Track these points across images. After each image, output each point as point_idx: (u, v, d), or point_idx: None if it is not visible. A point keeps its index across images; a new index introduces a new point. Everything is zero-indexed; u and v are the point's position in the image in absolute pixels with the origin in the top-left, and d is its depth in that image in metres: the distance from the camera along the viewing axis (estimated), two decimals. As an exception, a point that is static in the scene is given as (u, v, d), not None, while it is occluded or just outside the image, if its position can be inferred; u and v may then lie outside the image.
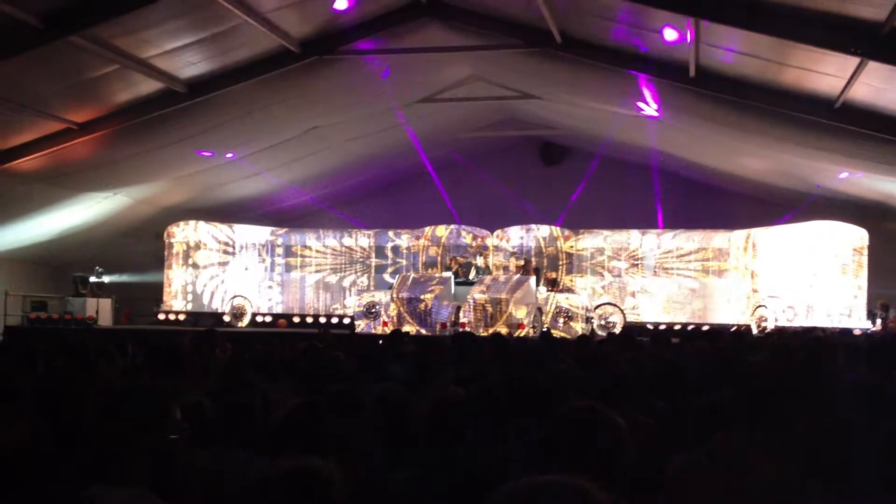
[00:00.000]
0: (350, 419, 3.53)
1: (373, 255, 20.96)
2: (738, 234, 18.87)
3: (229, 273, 20.89)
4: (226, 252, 20.97)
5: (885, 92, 11.58)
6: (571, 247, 19.84)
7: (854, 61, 10.64)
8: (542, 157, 21.91)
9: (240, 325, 20.20)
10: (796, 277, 17.43)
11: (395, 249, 20.88)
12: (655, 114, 15.39)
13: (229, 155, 17.74)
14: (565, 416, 2.51)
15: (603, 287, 19.60)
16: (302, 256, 21.29)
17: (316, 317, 20.49)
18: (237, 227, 21.14)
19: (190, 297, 20.48)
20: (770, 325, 17.08)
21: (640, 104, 14.94)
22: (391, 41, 14.43)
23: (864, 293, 17.23)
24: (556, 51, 13.60)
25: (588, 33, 13.45)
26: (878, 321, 16.65)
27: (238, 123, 16.08)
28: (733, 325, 17.58)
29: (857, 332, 16.14)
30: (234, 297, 20.71)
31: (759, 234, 18.42)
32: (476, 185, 20.81)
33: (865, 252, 17.26)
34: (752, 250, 18.52)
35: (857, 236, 17.33)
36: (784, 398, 3.56)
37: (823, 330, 15.14)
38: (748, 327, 17.36)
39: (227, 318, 20.19)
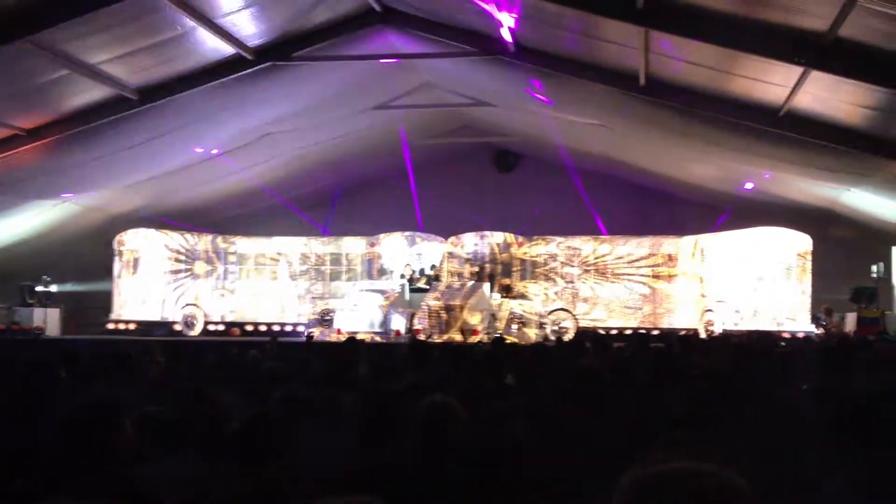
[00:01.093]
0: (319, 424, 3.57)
1: (327, 262, 20.91)
2: (687, 240, 19.21)
3: (181, 281, 20.67)
4: (177, 260, 20.75)
5: (828, 101, 11.89)
6: (525, 253, 20.00)
7: (798, 71, 10.91)
8: (496, 164, 22.07)
9: (191, 333, 20.00)
10: (743, 282, 17.83)
11: (350, 257, 20.86)
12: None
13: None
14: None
15: (556, 293, 19.79)
16: (255, 264, 21.15)
17: (269, 325, 20.36)
18: (189, 235, 20.94)
19: (140, 306, 20.22)
20: (717, 329, 17.40)
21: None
22: (345, 47, 14.46)
23: (808, 298, 17.67)
24: (510, 58, 13.74)
25: (541, 41, 13.60)
26: (822, 325, 17.05)
27: (190, 130, 15.96)
28: (682, 330, 17.89)
29: (800, 335, 16.58)
30: (186, 305, 20.50)
31: (707, 239, 18.79)
32: (430, 192, 20.87)
33: (809, 257, 17.71)
34: (700, 256, 18.88)
35: (802, 242, 17.77)
36: (728, 400, 3.63)
37: (769, 333, 15.50)
38: (696, 331, 17.66)
39: (178, 327, 19.99)
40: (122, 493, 2.74)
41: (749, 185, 17.32)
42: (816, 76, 10.87)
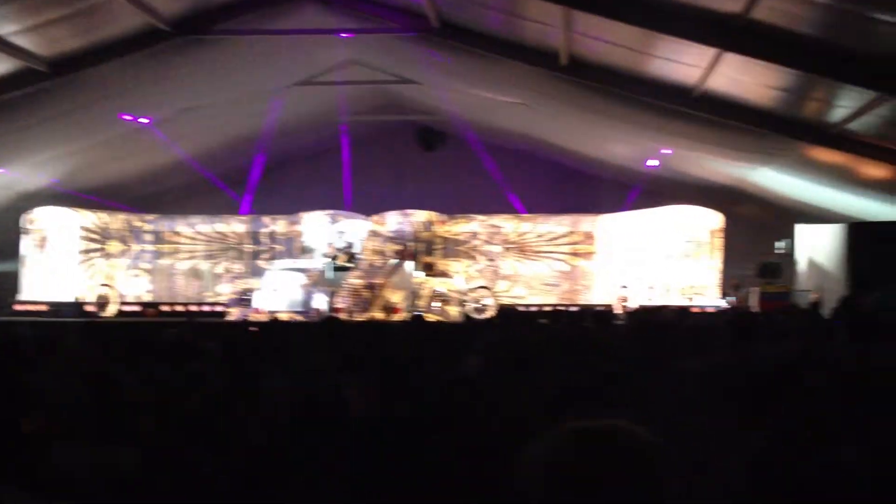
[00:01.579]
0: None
1: (247, 241, 20.69)
2: (604, 218, 19.71)
3: (93, 261, 20.20)
4: (90, 239, 20.25)
5: (740, 82, 12.33)
6: (447, 231, 20.17)
7: (712, 52, 11.31)
8: (420, 143, 22.10)
9: (104, 314, 19.56)
10: (656, 259, 18.43)
11: (271, 235, 20.69)
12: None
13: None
14: None
15: (478, 271, 20.04)
16: (172, 243, 20.80)
17: (186, 305, 20.05)
18: (102, 213, 20.45)
19: (51, 286, 19.66)
20: (632, 306, 17.91)
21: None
22: (267, 21, 14.31)
23: (718, 273, 18.38)
24: (435, 36, 13.84)
25: (465, 19, 13.73)
26: (731, 299, 17.74)
27: (106, 104, 15.57)
28: (598, 306, 18.35)
29: (711, 310, 17.20)
30: (100, 286, 20.03)
31: (623, 217, 19.30)
32: (355, 169, 20.80)
33: (720, 234, 18.40)
34: (617, 233, 19.40)
35: (713, 219, 18.44)
36: (636, 372, 3.74)
37: (682, 308, 16.05)
38: (611, 307, 18.15)
39: (91, 309, 19.49)
40: (36, 479, 2.70)
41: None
42: (730, 58, 11.25)
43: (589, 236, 19.94)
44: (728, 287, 18.32)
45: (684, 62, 12.21)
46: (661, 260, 18.47)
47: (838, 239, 15.88)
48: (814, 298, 14.37)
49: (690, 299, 17.95)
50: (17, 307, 19.12)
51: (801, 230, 16.73)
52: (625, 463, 1.51)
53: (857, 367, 3.59)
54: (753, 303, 17.06)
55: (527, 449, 1.57)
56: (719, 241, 18.43)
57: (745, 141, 14.21)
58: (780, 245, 17.28)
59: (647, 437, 1.56)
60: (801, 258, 16.71)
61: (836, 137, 12.96)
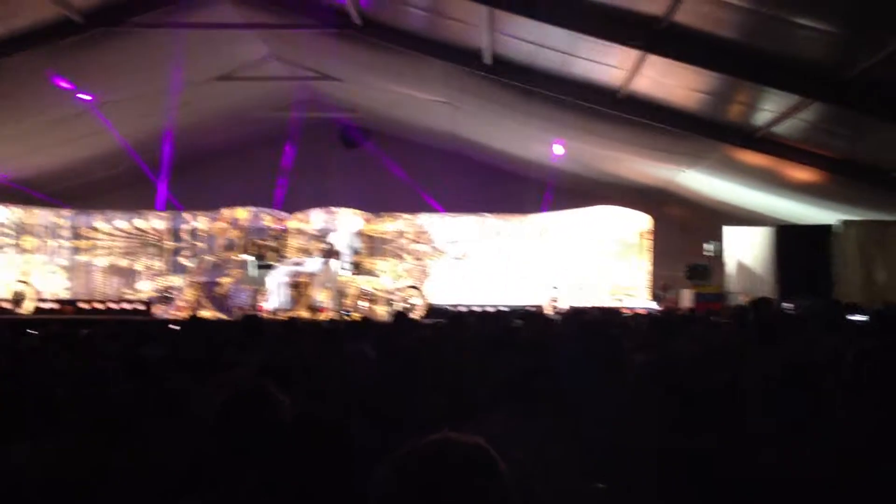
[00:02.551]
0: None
1: (168, 237, 20.11)
2: (531, 219, 19.54)
3: (7, 257, 19.51)
4: (4, 234, 19.58)
5: (664, 85, 12.22)
6: (373, 230, 19.83)
7: (636, 54, 11.16)
8: (342, 140, 21.70)
9: (20, 311, 18.86)
10: (585, 260, 18.33)
11: (192, 232, 20.12)
12: None
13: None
14: None
15: (406, 270, 19.73)
16: (90, 239, 20.16)
17: (106, 303, 19.44)
18: (15, 207, 19.74)
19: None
20: (562, 306, 17.79)
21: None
22: (184, 14, 13.82)
23: (647, 274, 18.36)
24: (355, 33, 13.48)
25: (387, 16, 13.40)
26: (660, 301, 17.74)
27: (18, 95, 14.93)
28: (529, 307, 18.17)
29: (641, 311, 17.17)
30: (14, 282, 19.36)
31: (550, 218, 19.17)
32: (275, 166, 20.34)
33: (649, 236, 18.38)
34: (544, 234, 19.25)
35: (642, 220, 18.41)
36: (553, 378, 3.62)
37: (612, 309, 15.96)
38: (541, 308, 18.00)
39: (5, 305, 18.80)
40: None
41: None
42: (653, 60, 11.12)
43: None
44: (657, 288, 18.32)
45: (608, 63, 12.06)
46: (590, 260, 18.38)
47: (766, 241, 16.01)
48: (743, 300, 14.40)
49: (620, 300, 17.89)
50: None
51: (728, 232, 16.80)
52: (458, 479, 1.52)
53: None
54: (683, 304, 17.09)
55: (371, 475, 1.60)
56: (648, 243, 18.42)
57: (670, 143, 14.16)
58: (708, 247, 17.32)
59: (483, 449, 1.58)
60: (730, 260, 16.76)
61: (761, 140, 12.96)
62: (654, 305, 17.59)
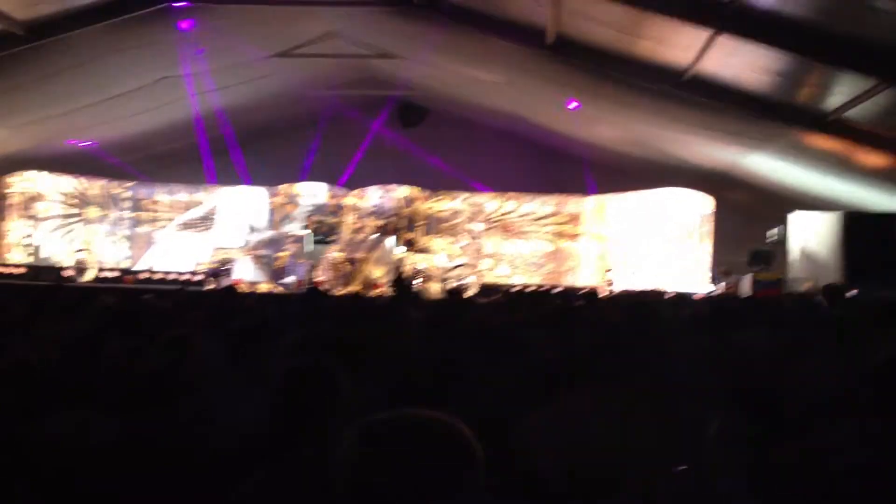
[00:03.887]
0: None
1: (227, 211, 20.34)
2: (591, 200, 19.33)
3: (72, 226, 19.92)
4: (69, 204, 19.99)
5: (733, 66, 11.88)
6: (430, 208, 19.79)
7: (704, 34, 10.85)
8: (400, 118, 21.64)
9: (83, 280, 19.25)
10: (644, 243, 18.04)
11: (250, 207, 20.31)
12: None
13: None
14: None
15: (460, 248, 19.69)
16: (151, 210, 20.49)
17: (166, 274, 19.74)
18: (81, 178, 20.13)
19: (29, 250, 19.41)
20: (617, 289, 17.59)
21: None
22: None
23: (708, 259, 18.00)
24: (415, 10, 13.34)
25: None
26: (721, 286, 17.37)
27: (85, 69, 15.11)
28: (583, 288, 17.99)
29: (699, 296, 16.84)
30: (78, 251, 19.78)
31: (610, 200, 18.92)
32: (335, 144, 20.37)
33: (711, 219, 18.00)
34: (604, 216, 19.01)
35: (704, 204, 18.03)
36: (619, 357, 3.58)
37: (668, 293, 15.70)
38: (596, 290, 17.80)
39: (69, 273, 19.19)
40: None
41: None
42: (722, 40, 10.81)
43: (575, 217, 19.58)
44: (718, 273, 17.95)
45: (675, 44, 11.74)
46: (649, 243, 18.08)
47: (833, 228, 15.55)
48: (807, 287, 14.03)
49: (679, 285, 17.58)
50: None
51: (794, 218, 16.36)
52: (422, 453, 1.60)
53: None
54: (744, 290, 16.72)
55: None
56: (709, 227, 18.04)
57: (736, 125, 13.78)
58: (772, 232, 16.88)
59: (457, 427, 1.64)
60: (795, 246, 16.34)
61: (832, 124, 12.53)
62: (713, 290, 17.23)
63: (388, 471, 1.58)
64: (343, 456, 1.64)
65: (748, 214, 18.67)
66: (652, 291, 15.42)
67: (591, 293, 15.46)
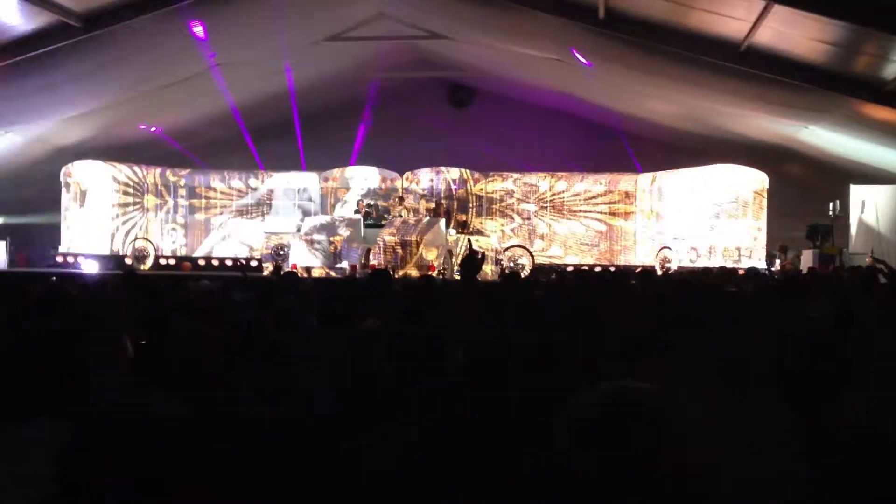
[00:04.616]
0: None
1: (280, 196, 20.59)
2: (644, 178, 19.17)
3: (130, 214, 20.32)
4: (126, 193, 20.38)
5: (788, 36, 11.68)
6: (481, 189, 19.81)
7: (759, 5, 10.68)
8: (450, 100, 21.65)
9: (142, 267, 19.66)
10: (699, 219, 17.85)
11: (304, 191, 20.54)
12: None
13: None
14: None
15: (512, 229, 19.69)
16: (206, 198, 20.81)
17: (221, 259, 20.07)
18: (137, 167, 20.51)
19: (89, 239, 19.85)
20: (673, 267, 17.45)
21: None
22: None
23: (763, 235, 17.75)
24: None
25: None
26: (777, 262, 17.14)
27: (137, 59, 15.37)
28: (638, 267, 17.90)
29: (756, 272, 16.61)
30: (136, 239, 20.18)
31: (664, 177, 18.74)
32: (385, 126, 20.47)
33: (766, 195, 17.74)
34: (658, 193, 18.85)
35: (758, 179, 17.78)
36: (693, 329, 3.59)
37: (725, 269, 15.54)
38: (652, 268, 17.69)
39: (128, 261, 19.61)
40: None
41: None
42: (778, 10, 10.63)
43: (628, 195, 19.43)
44: (775, 249, 17.71)
45: (729, 15, 11.58)
46: (704, 220, 17.88)
47: (894, 200, 15.32)
48: (869, 261, 13.79)
49: (735, 261, 17.39)
50: (59, 258, 19.35)
51: (856, 191, 16.09)
52: (649, 429, 1.56)
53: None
54: (802, 265, 16.48)
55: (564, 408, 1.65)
56: (765, 202, 17.78)
57: (793, 98, 13.55)
58: (832, 207, 16.61)
59: (667, 400, 1.61)
60: (855, 220, 16.08)
61: (891, 94, 12.26)
62: (769, 267, 17.00)
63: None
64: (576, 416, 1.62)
65: (805, 188, 18.41)
66: (706, 269, 15.29)
67: (648, 271, 15.43)
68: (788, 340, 3.41)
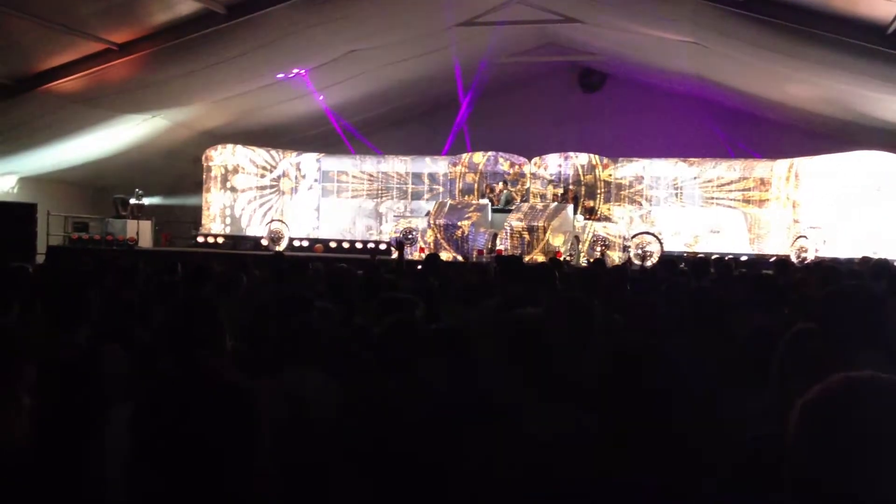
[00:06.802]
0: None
1: (409, 180, 20.95)
2: (781, 164, 18.59)
3: (267, 197, 21.05)
4: (263, 176, 21.11)
5: (942, 17, 11.15)
6: (610, 175, 19.64)
7: (911, -16, 10.25)
8: (581, 84, 21.50)
9: (277, 249, 20.32)
10: (838, 208, 17.19)
11: (432, 176, 20.84)
12: None
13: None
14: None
15: (641, 216, 19.45)
16: (338, 182, 21.36)
17: (352, 242, 20.55)
18: (274, 151, 21.23)
19: (228, 220, 20.67)
20: (810, 256, 16.88)
21: None
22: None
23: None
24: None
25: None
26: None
27: (277, 45, 15.88)
28: (773, 256, 17.41)
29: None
30: (272, 221, 20.86)
31: (802, 163, 18.12)
32: (514, 111, 20.52)
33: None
34: (795, 180, 18.25)
35: (900, 166, 17.01)
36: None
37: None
38: (788, 257, 17.17)
39: (264, 242, 20.33)
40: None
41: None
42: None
43: (764, 182, 18.87)
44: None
45: (877, -5, 11.12)
46: (844, 209, 17.20)
47: None
48: None
49: (875, 252, 16.67)
50: (199, 238, 20.21)
51: None
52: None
53: None
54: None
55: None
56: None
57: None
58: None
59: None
60: None
61: None
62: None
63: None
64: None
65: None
66: (847, 260, 14.74)
67: (783, 261, 15.00)
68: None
